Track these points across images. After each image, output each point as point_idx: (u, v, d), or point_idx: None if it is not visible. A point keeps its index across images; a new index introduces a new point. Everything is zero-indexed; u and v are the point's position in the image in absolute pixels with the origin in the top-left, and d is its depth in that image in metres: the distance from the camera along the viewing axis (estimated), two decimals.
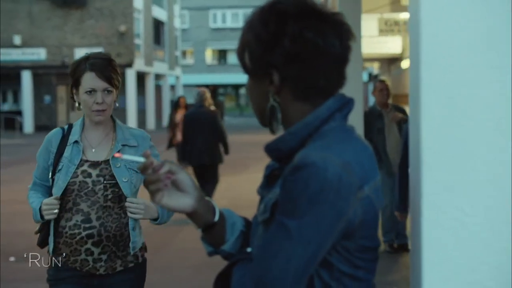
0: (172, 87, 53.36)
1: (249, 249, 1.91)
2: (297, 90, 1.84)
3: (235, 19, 65.52)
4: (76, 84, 3.65)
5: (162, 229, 10.40)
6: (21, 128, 38.79)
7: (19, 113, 40.07)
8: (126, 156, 2.00)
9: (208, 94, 11.95)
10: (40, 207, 3.61)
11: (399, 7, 13.25)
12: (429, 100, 1.90)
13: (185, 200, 1.86)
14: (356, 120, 8.33)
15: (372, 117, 8.53)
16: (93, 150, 3.69)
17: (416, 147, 1.99)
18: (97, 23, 39.74)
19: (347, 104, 1.87)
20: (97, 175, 3.61)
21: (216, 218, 1.93)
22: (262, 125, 1.95)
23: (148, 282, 3.85)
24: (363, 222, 1.77)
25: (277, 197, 1.77)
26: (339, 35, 1.83)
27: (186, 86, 57.27)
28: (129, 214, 3.62)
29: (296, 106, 1.85)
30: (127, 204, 3.60)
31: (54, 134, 3.74)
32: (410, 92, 2.07)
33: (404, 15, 15.45)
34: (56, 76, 40.29)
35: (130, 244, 3.67)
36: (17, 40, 39.45)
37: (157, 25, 47.88)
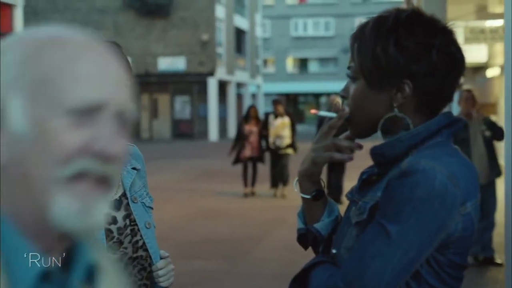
0: (253, 96, 53.64)
1: (334, 250, 1.90)
2: (424, 102, 1.85)
3: (316, 27, 65.48)
4: None
5: (242, 239, 10.47)
6: None
7: None
8: (323, 113, 1.97)
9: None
10: None
11: (485, 14, 12.99)
12: None
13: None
14: None
15: None
16: None
17: (510, 158, 1.92)
18: (180, 32, 40.31)
19: (456, 122, 1.88)
20: (124, 217, 2.62)
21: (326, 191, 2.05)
22: (362, 136, 1.94)
23: None
24: (460, 238, 1.76)
25: (377, 200, 1.77)
26: (459, 47, 1.89)
27: (267, 94, 57.48)
28: (160, 284, 2.64)
29: (415, 117, 1.85)
30: (158, 272, 2.60)
31: None
32: (505, 101, 2.00)
33: (491, 23, 15.13)
34: (140, 85, 41.03)
35: None
36: None
37: (239, 34, 48.25)
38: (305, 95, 71.03)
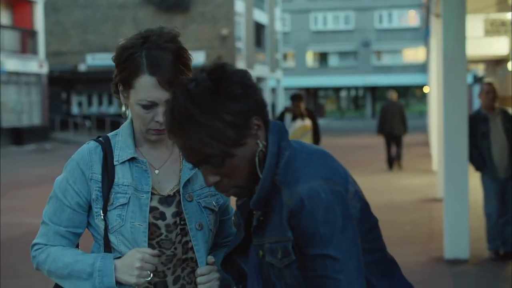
0: (273, 90, 53.58)
1: None
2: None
3: (336, 21, 65.27)
4: (124, 81, 2.42)
5: None
6: None
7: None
8: None
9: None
10: (115, 266, 2.35)
11: (506, 6, 12.86)
12: None
13: None
14: (460, 124, 8.14)
15: (477, 121, 8.31)
16: (156, 171, 2.49)
17: None
18: (199, 27, 40.36)
19: (277, 125, 2.01)
20: (174, 215, 2.43)
21: None
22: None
23: None
24: (362, 210, 1.98)
25: (291, 240, 1.90)
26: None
27: (287, 89, 57.41)
28: None
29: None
30: (198, 279, 2.34)
31: (93, 151, 2.48)
32: None
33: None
34: None
35: None
36: None
37: (258, 28, 48.20)
38: (325, 89, 70.90)
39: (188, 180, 2.47)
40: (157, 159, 2.50)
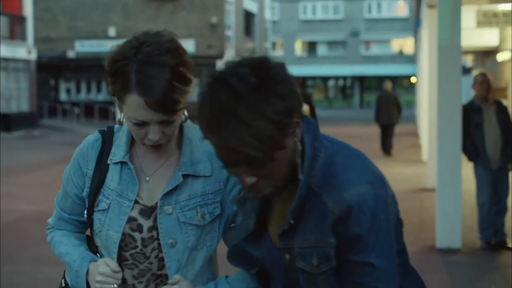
0: None
1: None
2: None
3: (325, 11, 65.25)
4: (115, 94, 2.19)
5: None
6: (114, 118, 39.70)
7: (113, 103, 40.99)
8: None
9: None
10: (87, 271, 2.29)
11: None
12: None
13: None
14: (454, 114, 8.19)
15: (470, 112, 8.35)
16: (147, 178, 2.30)
17: None
18: (189, 15, 40.23)
19: (307, 121, 1.94)
20: (150, 229, 2.26)
21: None
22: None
23: None
24: (397, 214, 2.00)
25: (333, 245, 1.85)
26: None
27: None
28: None
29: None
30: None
31: (91, 145, 2.35)
32: None
33: (503, 7, 15.03)
34: None
35: None
36: (112, 32, 40.36)
37: (248, 16, 48.11)
38: (314, 78, 70.88)
39: (175, 189, 2.25)
40: (152, 164, 2.30)
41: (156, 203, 2.25)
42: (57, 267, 3.10)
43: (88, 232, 2.44)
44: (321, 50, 67.12)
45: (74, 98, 42.87)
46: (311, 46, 67.42)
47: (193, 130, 2.31)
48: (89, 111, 39.43)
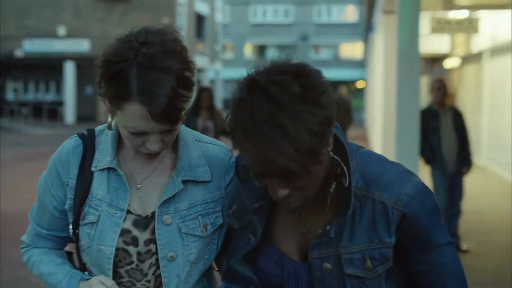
0: (212, 81, 53.50)
1: None
2: None
3: (275, 14, 65.47)
4: (109, 99, 1.94)
5: None
6: (63, 118, 39.22)
7: (62, 103, 40.50)
8: None
9: None
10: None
11: (451, 5, 13.16)
12: None
13: None
14: (413, 119, 8.31)
15: (428, 117, 8.50)
16: (138, 186, 2.07)
17: None
18: (140, 16, 39.98)
19: (340, 131, 1.91)
20: (147, 242, 2.04)
21: None
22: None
23: None
24: None
25: (391, 245, 1.85)
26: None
27: (226, 80, 57.38)
28: None
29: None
30: None
31: (72, 151, 2.09)
32: None
33: (456, 14, 15.33)
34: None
35: None
36: (61, 31, 39.89)
37: (199, 19, 48.04)
38: None
39: (173, 197, 2.03)
40: (142, 169, 2.07)
41: (153, 212, 2.03)
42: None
43: (68, 248, 2.20)
44: (271, 53, 67.12)
45: (21, 98, 42.26)
46: (261, 50, 67.54)
47: (186, 131, 2.12)
48: (38, 111, 38.90)
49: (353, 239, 1.85)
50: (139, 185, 2.05)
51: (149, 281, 2.04)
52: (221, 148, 2.13)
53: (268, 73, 1.74)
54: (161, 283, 2.05)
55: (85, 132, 2.10)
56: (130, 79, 1.85)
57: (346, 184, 1.83)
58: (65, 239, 2.15)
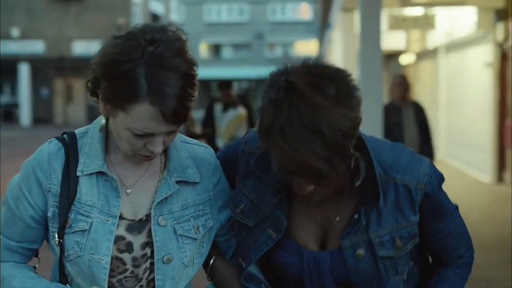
0: None
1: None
2: None
3: (230, 13, 65.46)
4: (112, 101, 1.85)
5: None
6: (18, 121, 38.76)
7: (17, 105, 40.04)
8: None
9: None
10: None
11: (408, 2, 13.38)
12: None
13: None
14: (376, 115, 8.45)
15: (390, 112, 8.63)
16: (128, 191, 2.00)
17: None
18: (95, 17, 39.74)
19: None
20: (143, 246, 1.97)
21: None
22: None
23: None
24: None
25: (416, 222, 1.99)
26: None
27: None
28: None
29: None
30: None
31: (53, 155, 1.98)
32: None
33: (412, 11, 15.57)
34: (54, 69, 40.22)
35: None
36: (15, 32, 39.40)
37: (154, 18, 47.85)
38: (218, 80, 70.91)
39: (165, 199, 1.98)
40: (131, 173, 2.00)
41: (147, 215, 1.96)
42: None
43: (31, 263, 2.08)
44: (226, 52, 67.29)
45: None
46: (216, 49, 67.47)
47: (177, 137, 2.05)
48: None
49: (381, 223, 1.95)
50: (129, 190, 1.98)
51: (141, 286, 1.98)
52: (206, 149, 2.10)
53: (305, 75, 1.79)
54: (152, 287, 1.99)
55: (65, 136, 2.00)
56: (139, 79, 1.79)
57: (360, 180, 1.93)
58: (34, 251, 2.04)
